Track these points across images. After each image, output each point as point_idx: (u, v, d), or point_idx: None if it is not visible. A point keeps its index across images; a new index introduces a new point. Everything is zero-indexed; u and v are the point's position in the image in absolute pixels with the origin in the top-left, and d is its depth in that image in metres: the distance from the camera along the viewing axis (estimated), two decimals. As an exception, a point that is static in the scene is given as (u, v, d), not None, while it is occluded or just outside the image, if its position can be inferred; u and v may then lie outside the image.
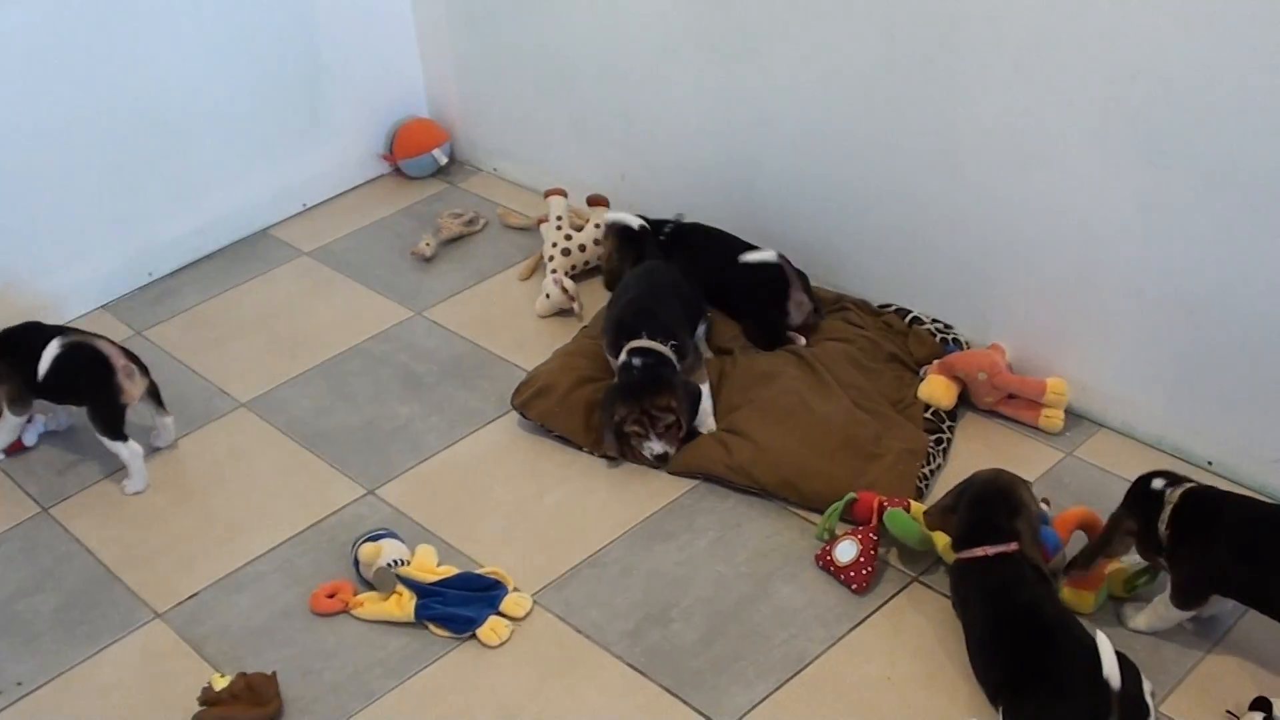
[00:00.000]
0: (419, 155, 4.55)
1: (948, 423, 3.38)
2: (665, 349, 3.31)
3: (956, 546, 2.80)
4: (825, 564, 3.01)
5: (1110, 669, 2.44)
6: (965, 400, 3.46)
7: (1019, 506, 2.77)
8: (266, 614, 3.06)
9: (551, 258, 3.96)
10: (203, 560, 3.20)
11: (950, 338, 3.55)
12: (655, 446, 3.27)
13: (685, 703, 2.78)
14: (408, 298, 4.06)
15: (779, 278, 3.63)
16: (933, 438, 3.33)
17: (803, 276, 3.68)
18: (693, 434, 3.34)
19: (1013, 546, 2.73)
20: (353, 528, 3.23)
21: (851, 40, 3.42)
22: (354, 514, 3.31)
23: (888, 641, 2.89)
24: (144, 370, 3.43)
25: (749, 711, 2.75)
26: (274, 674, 2.86)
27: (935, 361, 3.46)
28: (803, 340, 3.62)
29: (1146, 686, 2.60)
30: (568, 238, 4.00)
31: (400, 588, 3.02)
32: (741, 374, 3.51)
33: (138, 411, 3.45)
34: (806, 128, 3.63)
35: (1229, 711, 2.66)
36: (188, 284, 4.24)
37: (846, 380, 3.44)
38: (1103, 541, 2.79)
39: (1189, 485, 2.75)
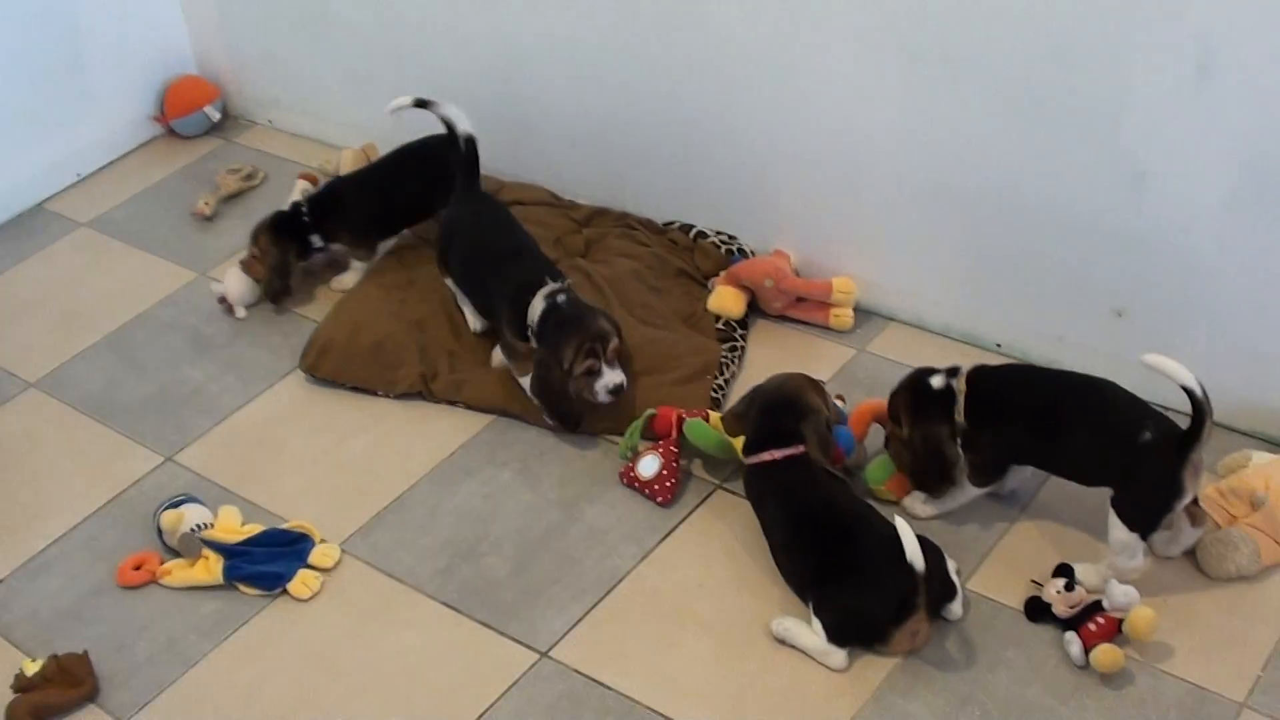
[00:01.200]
0: (190, 113, 4.45)
1: (740, 331, 3.43)
2: (567, 286, 3.21)
3: (746, 451, 2.85)
4: (629, 481, 3.06)
5: (913, 553, 2.52)
6: (756, 308, 3.51)
7: (805, 410, 2.83)
8: (74, 594, 3.00)
9: None
10: (4, 547, 3.12)
11: (735, 248, 3.60)
12: (614, 375, 3.12)
13: (503, 634, 2.81)
14: (192, 260, 3.98)
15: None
16: (725, 346, 3.37)
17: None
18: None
19: (799, 449, 2.78)
20: (154, 497, 3.18)
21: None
22: (154, 483, 3.25)
23: (697, 549, 2.94)
24: None
25: (566, 634, 2.79)
26: (85, 653, 2.82)
27: (722, 273, 3.50)
28: None
29: (951, 565, 2.70)
30: None
31: (206, 551, 2.99)
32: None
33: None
34: (572, 53, 3.64)
35: (1033, 580, 2.76)
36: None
37: (636, 299, 3.47)
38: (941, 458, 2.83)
39: (967, 370, 2.81)
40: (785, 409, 2.85)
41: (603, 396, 3.13)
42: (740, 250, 3.59)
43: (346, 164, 4.06)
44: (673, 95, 3.51)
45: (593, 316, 3.13)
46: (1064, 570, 2.72)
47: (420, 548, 3.02)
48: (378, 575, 2.97)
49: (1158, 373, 2.51)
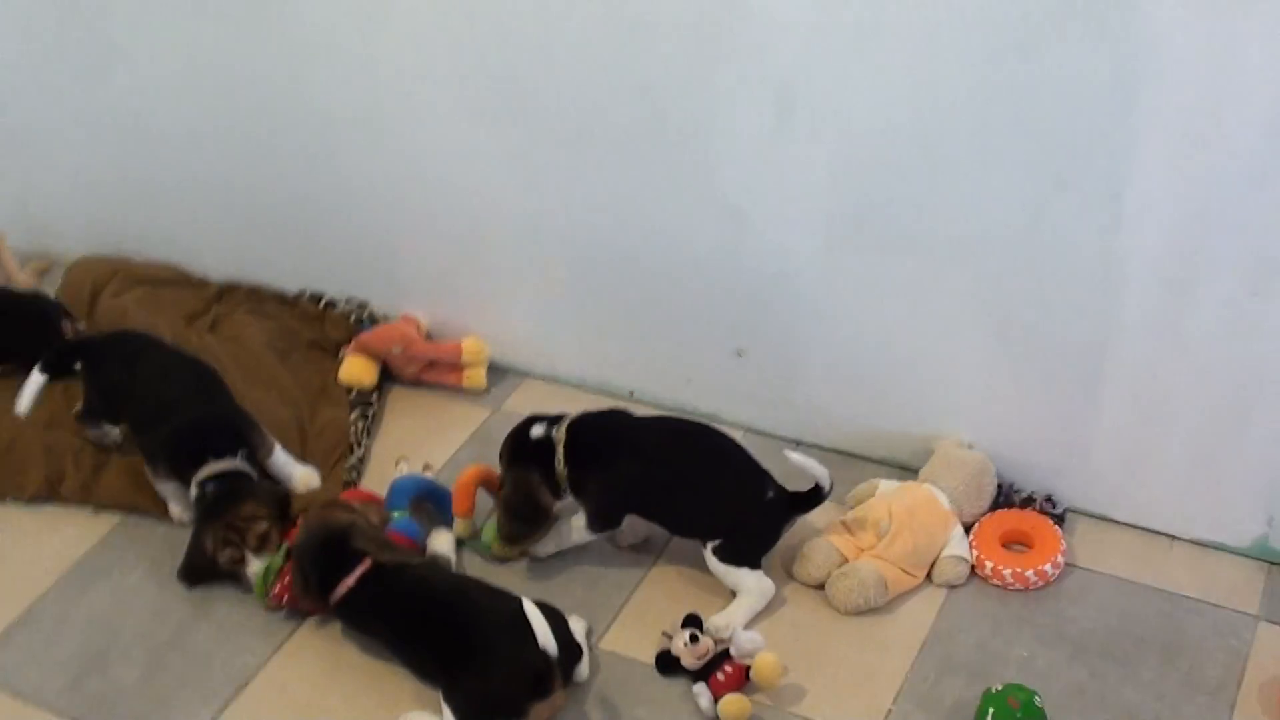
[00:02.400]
0: None
1: (373, 400, 3.36)
2: (239, 462, 2.99)
3: (318, 600, 2.77)
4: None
5: (544, 636, 2.51)
6: (392, 376, 3.47)
7: (344, 534, 2.77)
8: None
9: None
10: None
11: (364, 316, 3.53)
12: (256, 564, 2.90)
13: (131, 746, 2.68)
14: None
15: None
16: (355, 416, 3.31)
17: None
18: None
19: (367, 564, 2.73)
20: None
21: (208, 35, 3.34)
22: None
23: (328, 643, 2.87)
24: None
25: (195, 739, 2.68)
26: None
27: (351, 342, 3.42)
28: None
29: (579, 626, 2.70)
30: None
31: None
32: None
33: None
34: (189, 131, 3.55)
35: (664, 633, 2.77)
36: None
37: (264, 375, 3.38)
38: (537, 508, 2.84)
39: (569, 418, 2.84)
40: (329, 548, 2.76)
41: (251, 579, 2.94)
42: (371, 318, 3.53)
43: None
44: (283, 169, 3.47)
45: (235, 501, 2.91)
46: (691, 620, 2.74)
47: (48, 661, 2.89)
48: (3, 697, 2.82)
49: (798, 467, 2.75)
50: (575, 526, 2.88)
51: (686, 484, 2.78)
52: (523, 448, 2.83)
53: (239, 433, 3.05)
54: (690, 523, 2.83)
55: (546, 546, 2.94)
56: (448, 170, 3.22)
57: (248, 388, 3.34)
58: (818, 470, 2.75)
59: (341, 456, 3.23)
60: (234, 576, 2.95)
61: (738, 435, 3.04)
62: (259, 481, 3.03)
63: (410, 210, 3.34)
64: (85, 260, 3.89)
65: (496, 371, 3.47)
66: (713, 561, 2.77)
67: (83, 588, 3.04)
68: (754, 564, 2.79)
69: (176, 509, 3.12)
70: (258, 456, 3.06)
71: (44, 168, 3.84)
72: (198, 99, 3.47)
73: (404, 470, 3.14)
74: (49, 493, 3.24)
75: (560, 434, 2.80)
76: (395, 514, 2.95)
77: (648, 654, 2.77)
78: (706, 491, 2.78)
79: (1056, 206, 2.62)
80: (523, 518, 2.85)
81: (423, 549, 2.93)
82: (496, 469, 2.95)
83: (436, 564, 2.82)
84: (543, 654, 2.52)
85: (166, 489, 3.09)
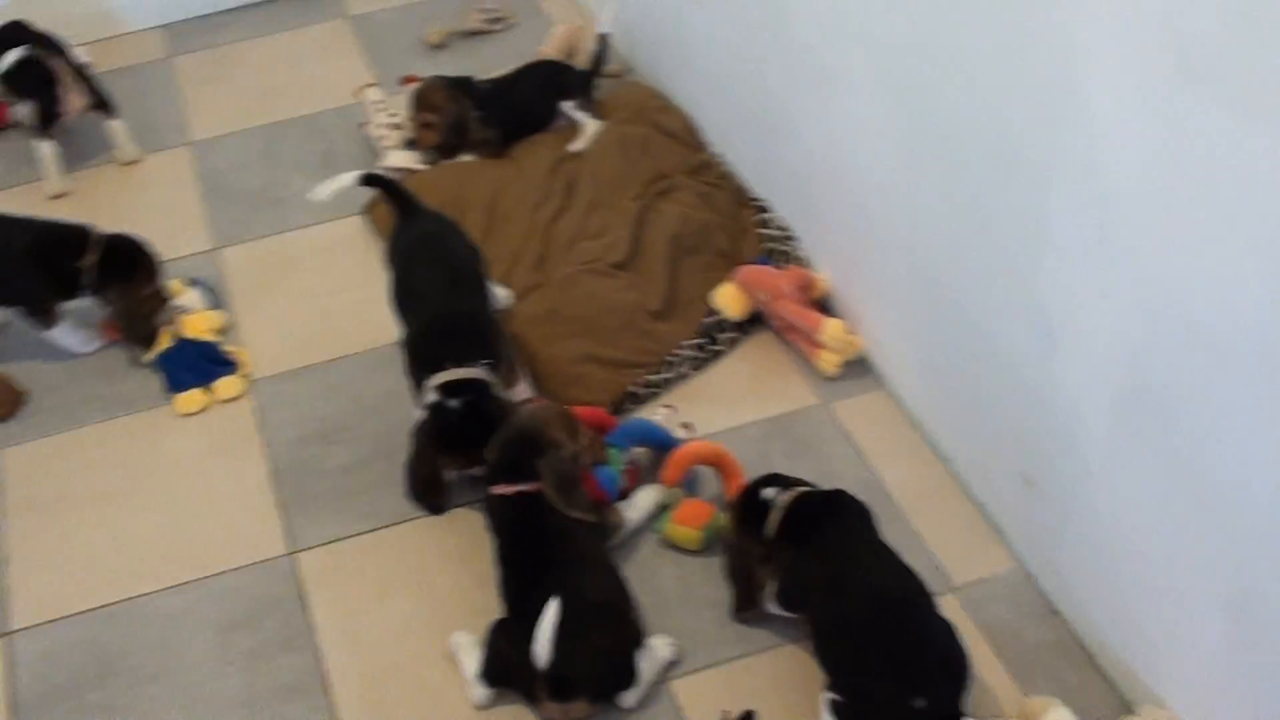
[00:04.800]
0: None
1: (726, 334, 3.23)
2: (479, 372, 2.83)
3: (487, 480, 2.72)
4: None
5: (540, 645, 2.43)
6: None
7: (543, 446, 2.67)
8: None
9: (382, 137, 3.91)
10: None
11: (782, 249, 3.34)
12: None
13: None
14: (389, 79, 4.17)
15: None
16: (693, 344, 3.19)
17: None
18: None
19: (531, 487, 2.65)
20: (184, 270, 3.53)
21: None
22: (192, 264, 3.60)
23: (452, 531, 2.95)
24: (92, 92, 3.80)
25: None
26: (8, 378, 3.24)
27: (741, 267, 3.28)
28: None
29: (660, 654, 2.60)
30: (392, 114, 3.95)
31: (165, 331, 3.32)
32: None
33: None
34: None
35: (724, 710, 2.54)
36: (239, 22, 4.56)
37: (648, 263, 3.34)
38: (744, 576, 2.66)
39: (802, 490, 2.61)
40: (523, 443, 2.69)
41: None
42: (785, 255, 3.33)
43: (553, 42, 4.08)
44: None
45: (482, 436, 2.76)
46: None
47: (304, 410, 3.21)
48: (259, 421, 3.20)
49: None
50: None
51: (858, 629, 2.43)
52: (749, 510, 2.63)
53: (486, 339, 2.92)
54: (828, 653, 2.49)
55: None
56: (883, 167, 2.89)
57: (623, 268, 3.33)
58: None
59: (649, 369, 3.16)
60: None
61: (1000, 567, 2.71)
62: (502, 402, 2.85)
63: (859, 180, 3.03)
64: (633, 84, 4.00)
65: (858, 367, 3.17)
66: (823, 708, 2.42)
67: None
68: None
69: None
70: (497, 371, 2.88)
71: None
72: None
73: (661, 416, 3.04)
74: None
75: (783, 500, 2.58)
76: (612, 451, 2.87)
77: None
78: (862, 646, 2.40)
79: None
80: (738, 589, 2.68)
81: (610, 503, 2.83)
82: (727, 451, 2.85)
83: (583, 531, 2.69)
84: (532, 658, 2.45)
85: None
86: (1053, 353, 2.41)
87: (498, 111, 3.79)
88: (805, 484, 2.64)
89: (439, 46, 4.29)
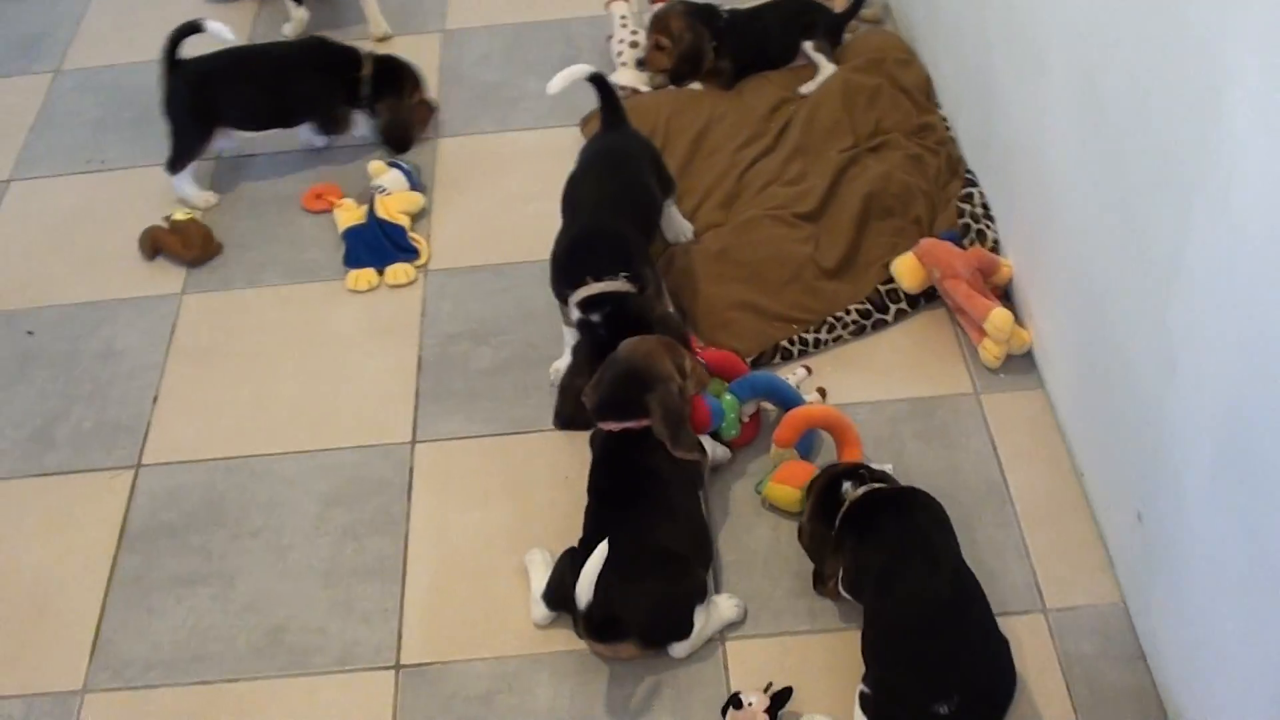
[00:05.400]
0: None
1: (899, 305, 3.10)
2: (620, 284, 2.77)
3: (594, 414, 2.67)
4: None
5: (584, 585, 2.39)
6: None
7: (652, 381, 2.60)
8: (271, 193, 3.58)
9: (620, 53, 3.85)
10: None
11: (973, 226, 3.16)
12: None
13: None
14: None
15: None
16: (858, 310, 3.08)
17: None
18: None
19: (639, 423, 2.60)
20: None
21: None
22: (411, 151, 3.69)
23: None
24: None
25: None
26: (209, 230, 3.42)
27: (924, 239, 3.14)
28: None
29: (724, 611, 2.58)
30: (634, 31, 3.87)
31: (358, 207, 3.43)
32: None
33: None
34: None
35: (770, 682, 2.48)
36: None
37: (834, 220, 3.23)
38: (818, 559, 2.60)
39: (875, 486, 2.52)
40: (631, 379, 2.61)
41: None
42: (977, 230, 3.16)
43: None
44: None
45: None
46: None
47: (470, 309, 3.27)
48: (422, 309, 3.28)
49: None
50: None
51: (898, 628, 2.34)
52: (824, 495, 2.56)
53: (626, 252, 2.82)
54: (868, 646, 2.40)
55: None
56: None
57: (810, 219, 3.24)
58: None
59: (805, 326, 3.06)
60: None
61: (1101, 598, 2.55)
62: (654, 311, 2.82)
63: (1047, 168, 2.81)
64: (882, 32, 3.85)
65: (1023, 362, 2.98)
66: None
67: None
68: None
69: (564, 363, 2.99)
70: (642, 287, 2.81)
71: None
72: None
73: (797, 376, 2.95)
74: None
75: (854, 494, 2.50)
76: (729, 398, 2.80)
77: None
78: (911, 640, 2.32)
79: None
80: (815, 571, 2.61)
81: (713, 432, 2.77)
82: (847, 420, 2.77)
83: (683, 475, 2.63)
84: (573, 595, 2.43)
85: (566, 334, 2.96)
86: (1170, 383, 2.21)
87: (734, 43, 3.71)
88: (885, 479, 2.52)
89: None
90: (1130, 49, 2.23)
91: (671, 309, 3.02)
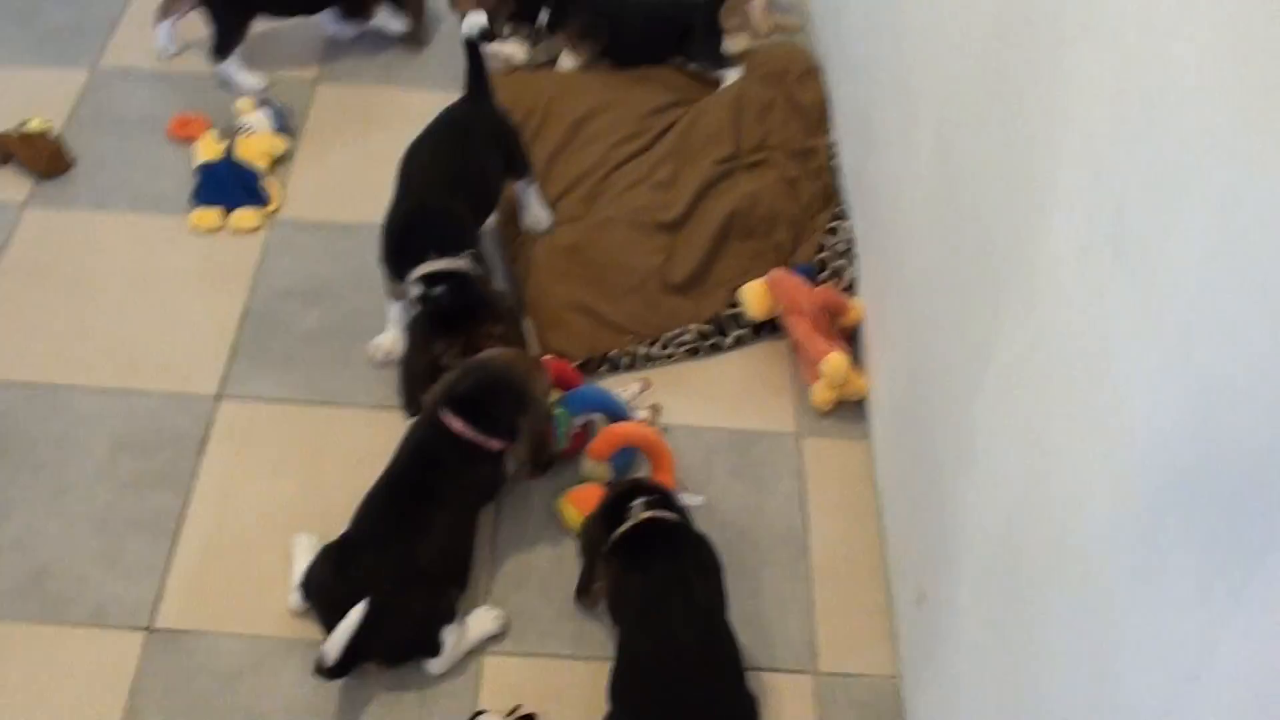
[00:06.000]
0: None
1: (739, 331, 3.02)
2: (464, 263, 2.71)
3: (439, 407, 2.53)
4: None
5: (333, 646, 2.28)
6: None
7: (528, 403, 2.51)
8: (142, 113, 3.47)
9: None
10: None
11: (831, 261, 3.08)
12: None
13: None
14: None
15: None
16: (696, 329, 3.00)
17: None
18: None
19: (491, 442, 2.50)
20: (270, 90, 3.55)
21: None
22: (278, 87, 3.59)
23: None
24: None
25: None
26: (60, 140, 3.30)
27: (777, 268, 3.06)
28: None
29: (478, 628, 2.49)
30: None
31: (219, 143, 3.34)
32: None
33: None
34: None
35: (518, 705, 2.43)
36: None
37: (698, 233, 3.15)
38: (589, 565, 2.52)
39: (661, 514, 2.44)
40: (504, 394, 2.51)
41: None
42: (836, 270, 3.07)
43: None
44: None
45: (475, 315, 2.70)
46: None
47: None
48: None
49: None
50: None
51: (641, 669, 2.29)
52: (613, 505, 2.47)
53: (465, 230, 2.79)
54: (613, 680, 2.32)
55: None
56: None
57: (669, 229, 3.16)
58: None
59: (640, 339, 2.98)
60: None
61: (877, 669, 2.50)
62: (490, 289, 2.79)
63: (900, 216, 2.72)
64: (791, 46, 3.76)
65: (854, 410, 2.91)
66: None
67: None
68: None
69: (387, 339, 2.93)
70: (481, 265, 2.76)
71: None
72: None
73: (630, 391, 2.87)
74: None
75: (639, 514, 2.42)
76: (560, 411, 2.72)
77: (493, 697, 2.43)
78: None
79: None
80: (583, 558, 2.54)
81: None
82: (663, 443, 2.71)
83: (478, 483, 2.57)
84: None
85: (390, 309, 2.91)
86: (968, 471, 2.14)
87: (606, 25, 3.62)
88: (676, 512, 2.45)
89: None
90: (975, 131, 2.15)
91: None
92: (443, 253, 2.70)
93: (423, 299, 2.70)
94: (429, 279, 2.70)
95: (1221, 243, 1.31)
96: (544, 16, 3.60)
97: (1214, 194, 1.32)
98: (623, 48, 3.63)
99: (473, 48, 2.97)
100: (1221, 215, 1.31)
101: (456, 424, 2.49)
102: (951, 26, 2.32)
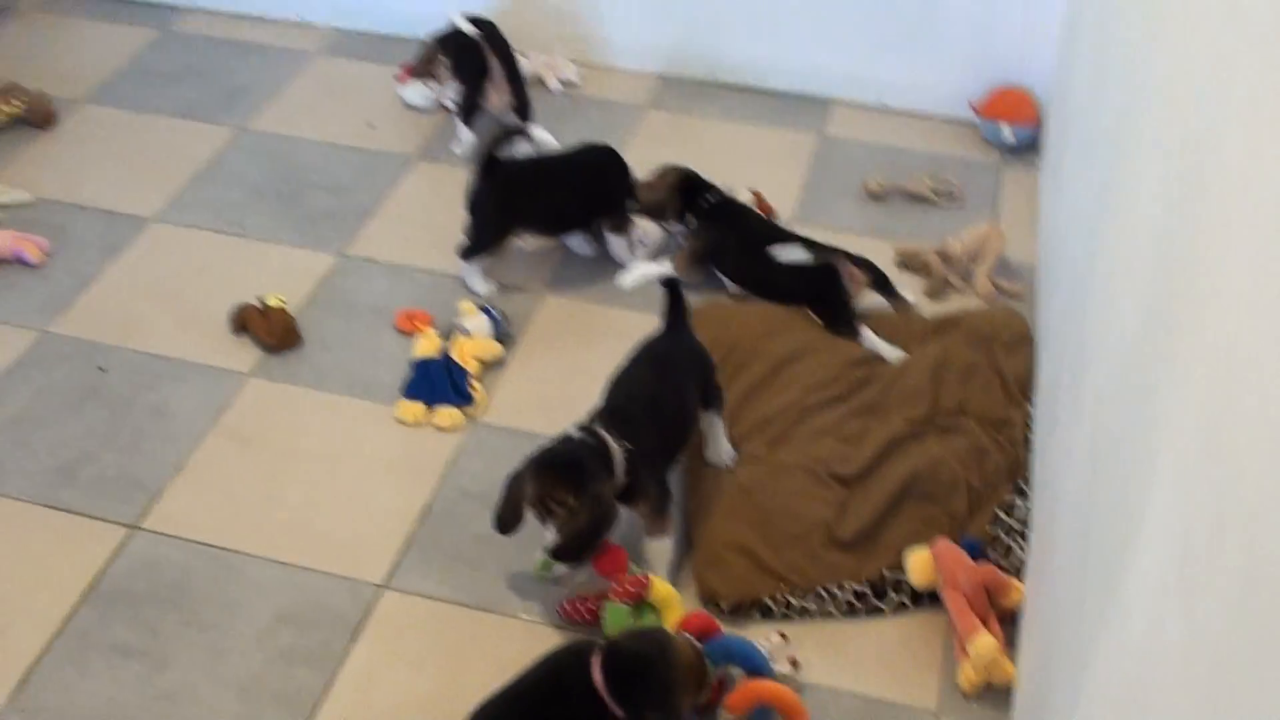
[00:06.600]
0: (991, 119, 4.38)
1: (897, 596, 3.00)
2: (611, 440, 2.86)
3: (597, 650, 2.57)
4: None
5: None
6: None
7: (662, 697, 2.53)
8: (372, 303, 3.70)
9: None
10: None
11: (1001, 539, 3.04)
12: (547, 535, 2.86)
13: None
14: (813, 203, 4.16)
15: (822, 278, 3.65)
16: (855, 589, 2.99)
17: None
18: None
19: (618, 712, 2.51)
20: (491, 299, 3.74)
21: None
22: (506, 300, 3.77)
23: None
24: (518, 95, 4.23)
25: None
26: (293, 321, 3.56)
27: (943, 538, 3.03)
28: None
29: None
30: None
31: (439, 340, 3.53)
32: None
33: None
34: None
35: None
36: (725, 99, 4.66)
37: (873, 494, 3.15)
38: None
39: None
40: (642, 671, 2.53)
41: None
42: (1006, 548, 3.02)
43: (968, 236, 3.90)
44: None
45: (564, 478, 2.80)
46: None
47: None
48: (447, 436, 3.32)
49: None
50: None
51: None
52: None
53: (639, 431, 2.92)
54: None
55: None
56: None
57: (846, 483, 3.18)
58: None
59: (795, 591, 2.98)
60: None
61: None
62: (604, 480, 2.84)
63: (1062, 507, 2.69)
64: (1009, 312, 3.74)
65: (1001, 697, 2.83)
66: None
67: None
68: None
69: None
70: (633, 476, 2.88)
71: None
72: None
73: (771, 643, 2.86)
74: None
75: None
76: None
77: None
78: None
79: None
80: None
81: None
82: (803, 708, 2.71)
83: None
84: None
85: None
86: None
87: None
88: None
89: (877, 196, 4.18)
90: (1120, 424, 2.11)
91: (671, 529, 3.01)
92: (608, 427, 2.89)
93: (562, 437, 2.86)
94: (583, 428, 2.89)
95: None
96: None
97: None
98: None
99: (671, 285, 3.09)
100: None
101: (598, 676, 2.52)
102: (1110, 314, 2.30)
